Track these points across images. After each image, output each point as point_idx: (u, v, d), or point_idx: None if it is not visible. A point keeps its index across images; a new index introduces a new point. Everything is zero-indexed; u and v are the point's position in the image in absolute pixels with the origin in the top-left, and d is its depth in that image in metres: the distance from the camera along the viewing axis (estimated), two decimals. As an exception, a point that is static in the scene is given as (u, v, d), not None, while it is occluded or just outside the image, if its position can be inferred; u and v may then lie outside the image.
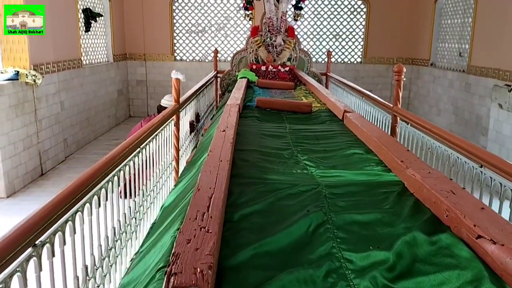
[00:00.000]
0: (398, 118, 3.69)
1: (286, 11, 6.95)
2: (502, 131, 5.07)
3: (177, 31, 9.14)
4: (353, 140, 2.53)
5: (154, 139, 2.93)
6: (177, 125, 3.69)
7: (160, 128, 3.13)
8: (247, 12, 7.20)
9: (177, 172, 3.62)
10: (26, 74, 4.85)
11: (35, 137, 5.24)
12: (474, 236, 1.25)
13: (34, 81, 4.95)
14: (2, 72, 4.76)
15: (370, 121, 4.52)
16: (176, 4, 8.98)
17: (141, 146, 2.53)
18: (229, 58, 8.90)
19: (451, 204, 1.42)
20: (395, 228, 1.43)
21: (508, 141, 4.94)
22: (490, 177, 2.23)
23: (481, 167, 2.31)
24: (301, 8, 7.17)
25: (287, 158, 2.21)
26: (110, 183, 2.03)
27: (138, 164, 2.47)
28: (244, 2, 7.26)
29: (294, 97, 4.56)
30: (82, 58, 6.78)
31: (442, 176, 1.78)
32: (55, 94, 5.76)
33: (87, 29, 7.06)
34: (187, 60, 9.28)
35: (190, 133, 4.56)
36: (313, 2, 9.07)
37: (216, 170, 1.71)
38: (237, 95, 3.60)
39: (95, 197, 1.86)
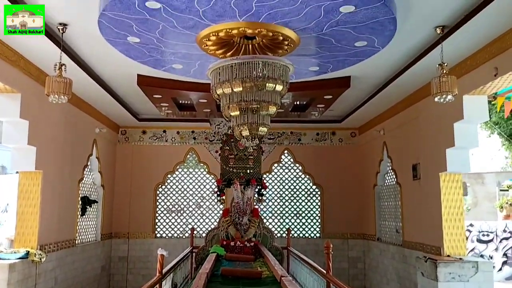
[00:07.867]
0: (331, 284, 4.81)
1: (251, 197, 8.51)
2: (427, 294, 6.17)
3: (159, 211, 10.51)
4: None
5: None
6: (159, 295, 4.68)
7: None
8: (218, 198, 8.75)
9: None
10: (35, 254, 5.91)
11: (30, 310, 6.00)
12: None
13: (40, 259, 5.98)
14: (15, 252, 5.81)
15: (314, 286, 5.61)
16: (160, 189, 10.57)
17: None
18: (203, 234, 10.11)
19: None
20: None
21: (432, 303, 6.00)
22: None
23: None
24: (262, 195, 8.79)
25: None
26: None
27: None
28: (217, 189, 8.88)
29: (252, 267, 5.71)
30: (76, 238, 7.90)
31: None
32: (52, 270, 6.70)
33: (83, 213, 8.36)
34: (166, 237, 10.44)
35: (169, 302, 5.48)
36: (276, 187, 10.80)
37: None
38: (207, 265, 4.79)
39: None
